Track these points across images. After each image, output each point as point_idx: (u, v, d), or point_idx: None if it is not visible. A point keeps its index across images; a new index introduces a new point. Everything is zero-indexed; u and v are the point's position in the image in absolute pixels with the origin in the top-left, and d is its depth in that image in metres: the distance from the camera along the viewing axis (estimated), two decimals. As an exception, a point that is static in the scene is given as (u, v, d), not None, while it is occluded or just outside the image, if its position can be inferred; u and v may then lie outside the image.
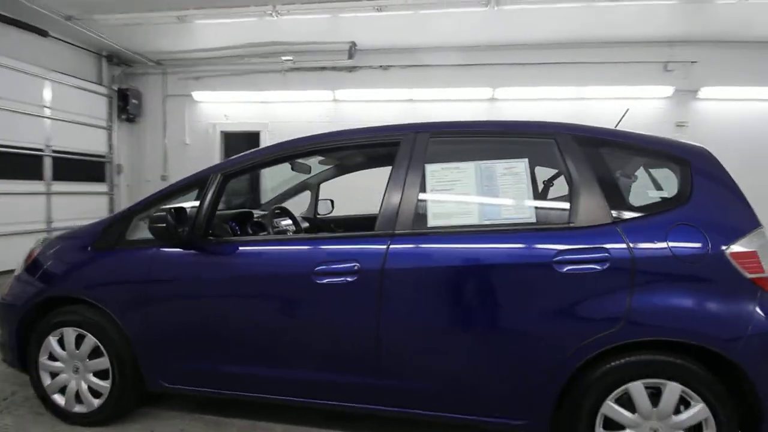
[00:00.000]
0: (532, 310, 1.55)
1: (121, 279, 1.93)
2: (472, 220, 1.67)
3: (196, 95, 6.55)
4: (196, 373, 1.89)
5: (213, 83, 6.54)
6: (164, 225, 1.76)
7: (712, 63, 5.29)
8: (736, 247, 1.48)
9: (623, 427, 1.52)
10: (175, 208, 1.82)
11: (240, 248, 1.87)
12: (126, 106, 6.51)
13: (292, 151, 1.95)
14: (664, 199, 1.65)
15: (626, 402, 1.52)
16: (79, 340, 1.96)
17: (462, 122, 1.86)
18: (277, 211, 2.53)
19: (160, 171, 6.84)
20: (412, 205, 1.70)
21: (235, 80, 6.43)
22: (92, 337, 1.93)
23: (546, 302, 1.54)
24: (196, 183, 2.00)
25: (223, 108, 6.62)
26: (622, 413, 1.51)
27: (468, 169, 1.74)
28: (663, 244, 1.50)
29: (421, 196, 1.73)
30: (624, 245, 1.51)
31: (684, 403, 1.48)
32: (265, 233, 2.43)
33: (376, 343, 1.66)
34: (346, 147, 2.00)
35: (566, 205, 1.64)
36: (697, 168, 1.62)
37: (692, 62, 5.40)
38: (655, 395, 1.50)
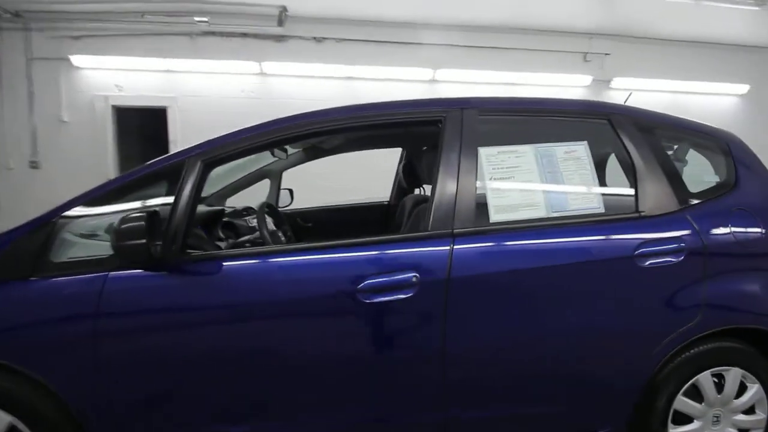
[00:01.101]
0: (617, 311, 1.40)
1: (47, 323, 1.29)
2: (540, 212, 1.45)
3: (76, 60, 5.16)
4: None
5: (100, 45, 5.21)
6: (143, 241, 1.18)
7: (624, 56, 5.87)
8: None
9: (691, 420, 1.49)
10: (151, 213, 1.24)
11: (238, 265, 1.37)
12: (-33, 69, 4.87)
13: (306, 129, 1.49)
14: (717, 184, 1.63)
15: (694, 394, 1.48)
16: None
17: (509, 98, 1.61)
18: (266, 210, 2.01)
19: (28, 155, 5.32)
20: (471, 197, 1.41)
21: (131, 42, 5.21)
22: (5, 415, 1.26)
23: (630, 301, 1.40)
24: (163, 174, 1.42)
25: (115, 77, 5.34)
26: (693, 405, 1.48)
27: (526, 153, 1.51)
28: (727, 230, 1.47)
29: (479, 185, 1.45)
30: (696, 233, 1.44)
31: (741, 386, 1.51)
32: (252, 238, 1.90)
33: (440, 370, 1.36)
34: (376, 125, 1.60)
35: (629, 192, 1.52)
36: (737, 153, 1.63)
37: (606, 54, 5.94)
38: (717, 383, 1.49)
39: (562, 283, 1.39)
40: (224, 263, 1.35)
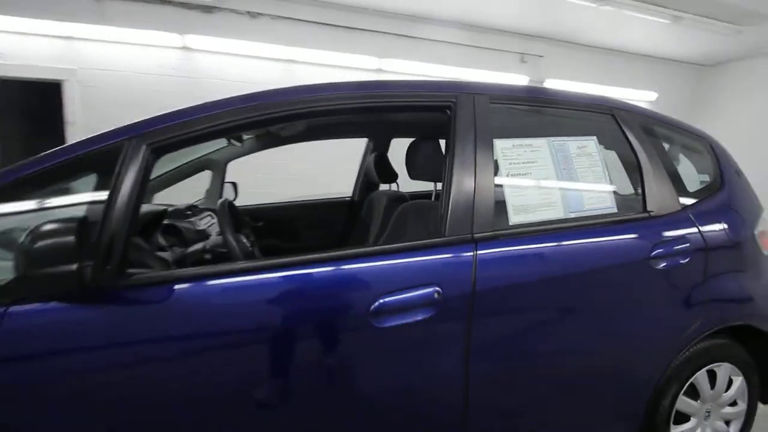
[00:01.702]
0: (637, 316, 1.33)
1: None
2: (558, 213, 1.32)
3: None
4: None
5: (-30, -3, 4.13)
6: (73, 267, 0.80)
7: (556, 59, 6.21)
8: (759, 228, 1.59)
9: (688, 418, 1.50)
10: (81, 222, 0.85)
11: (204, 287, 1.03)
12: None
13: (295, 109, 1.17)
14: (707, 184, 1.65)
15: (690, 392, 1.49)
16: None
17: (519, 86, 1.45)
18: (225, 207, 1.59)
19: None
20: (490, 196, 1.23)
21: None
22: None
23: (649, 305, 1.35)
24: (88, 162, 1.02)
25: (-6, 40, 4.29)
26: (691, 403, 1.48)
27: (542, 147, 1.37)
28: (721, 229, 1.48)
29: (497, 182, 1.27)
30: (698, 233, 1.43)
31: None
32: (209, 246, 1.49)
33: (462, 396, 1.16)
34: (377, 108, 1.34)
35: (635, 191, 1.47)
36: (720, 153, 1.68)
37: (540, 56, 6.23)
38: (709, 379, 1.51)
39: (590, 289, 1.29)
40: (180, 286, 1.00)
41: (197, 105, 1.15)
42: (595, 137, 1.45)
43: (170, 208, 1.72)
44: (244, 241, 1.41)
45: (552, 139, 1.39)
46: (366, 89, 1.26)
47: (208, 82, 4.88)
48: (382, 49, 5.33)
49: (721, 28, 5.28)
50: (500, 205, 1.26)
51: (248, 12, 4.97)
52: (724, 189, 1.58)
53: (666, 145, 1.67)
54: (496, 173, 1.27)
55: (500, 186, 1.27)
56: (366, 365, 1.10)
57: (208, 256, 1.41)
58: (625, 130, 1.49)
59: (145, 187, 1.04)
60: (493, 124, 1.30)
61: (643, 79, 6.61)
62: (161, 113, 1.14)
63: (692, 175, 1.65)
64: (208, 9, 4.78)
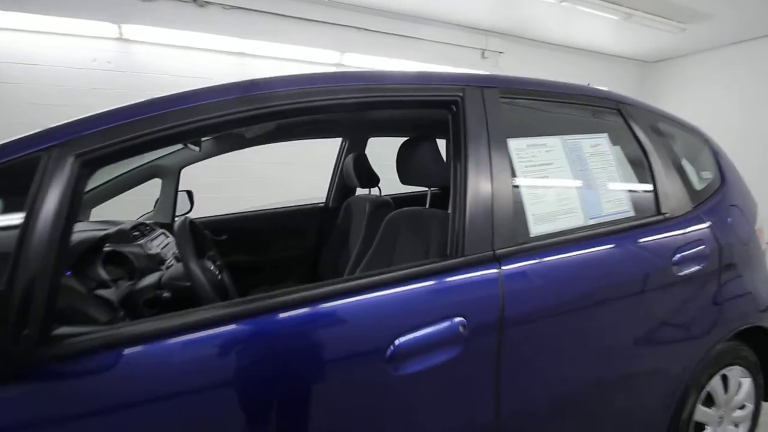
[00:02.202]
0: (663, 327, 1.23)
1: None
2: (578, 220, 1.18)
3: None
4: None
5: None
6: None
7: (516, 55, 6.26)
8: (758, 224, 1.56)
9: (703, 427, 1.43)
10: None
11: (165, 349, 0.77)
12: None
13: (278, 106, 0.93)
14: (709, 181, 1.59)
15: (705, 400, 1.43)
16: None
17: (527, 78, 1.30)
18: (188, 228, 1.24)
19: None
20: (509, 204, 1.07)
21: None
22: None
23: (673, 314, 1.25)
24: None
25: None
26: (707, 412, 1.42)
27: (556, 147, 1.22)
28: (730, 228, 1.43)
29: (515, 187, 1.11)
30: (711, 234, 1.36)
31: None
32: (166, 279, 1.18)
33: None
34: (376, 103, 1.12)
35: (644, 190, 1.37)
36: (717, 150, 1.63)
37: (500, 52, 6.25)
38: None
39: (620, 303, 1.17)
40: (132, 349, 0.74)
41: (142, 102, 0.89)
42: (606, 134, 1.33)
43: (112, 229, 1.39)
44: (211, 268, 1.14)
45: (566, 137, 1.25)
46: (346, 82, 1.04)
47: (147, 77, 4.40)
48: (341, 43, 5.09)
49: (667, 26, 5.54)
50: (519, 215, 1.10)
51: (194, 0, 4.53)
52: (725, 185, 1.53)
53: (674, 142, 1.60)
54: (513, 178, 1.11)
55: (518, 192, 1.11)
56: (386, 420, 0.90)
57: (166, 294, 1.14)
58: (633, 127, 1.39)
59: (74, 212, 0.77)
60: (505, 121, 1.14)
61: (593, 75, 6.85)
62: (92, 113, 0.86)
63: (693, 173, 1.59)
64: (147, -4, 4.30)
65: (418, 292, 0.93)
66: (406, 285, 0.93)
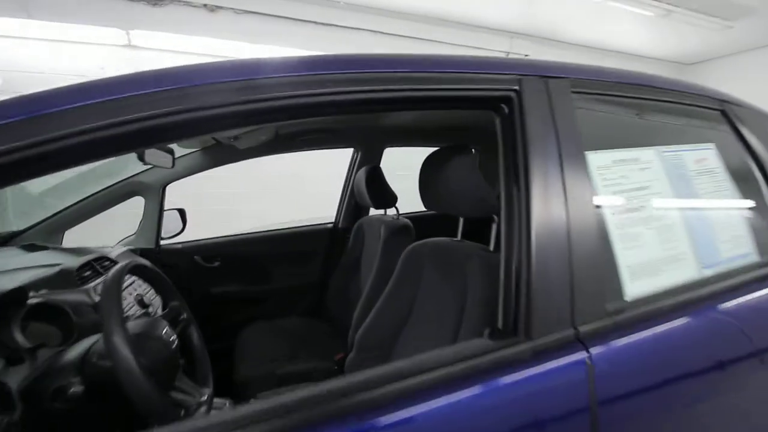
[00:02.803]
0: None
1: None
2: (690, 271, 0.81)
3: None
4: None
5: None
6: None
7: (540, 58, 5.89)
8: None
9: None
10: None
11: None
12: None
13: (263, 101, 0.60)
14: None
15: None
16: None
17: (603, 68, 0.93)
18: (123, 280, 0.85)
19: None
20: (593, 253, 0.71)
21: None
22: None
23: None
24: None
25: None
26: None
27: (652, 163, 0.85)
28: None
29: (599, 225, 0.75)
30: None
31: None
32: (83, 353, 0.82)
33: None
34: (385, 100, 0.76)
35: (763, 221, 0.98)
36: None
37: (526, 55, 5.88)
38: None
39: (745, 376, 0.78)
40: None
41: (69, 87, 0.56)
42: (713, 145, 0.96)
43: (57, 268, 1.07)
44: (162, 333, 0.81)
45: (662, 149, 0.88)
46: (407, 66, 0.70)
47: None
48: (361, 47, 4.82)
49: (711, 23, 5.07)
50: (608, 267, 0.73)
51: (205, 5, 4.36)
52: None
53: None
54: (596, 210, 0.75)
55: (605, 232, 0.75)
56: None
57: (74, 390, 0.70)
58: (746, 135, 1.00)
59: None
60: (581, 126, 0.78)
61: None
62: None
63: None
64: (154, 1, 4.13)
65: (462, 405, 0.58)
66: (441, 396, 0.57)
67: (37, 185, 2.04)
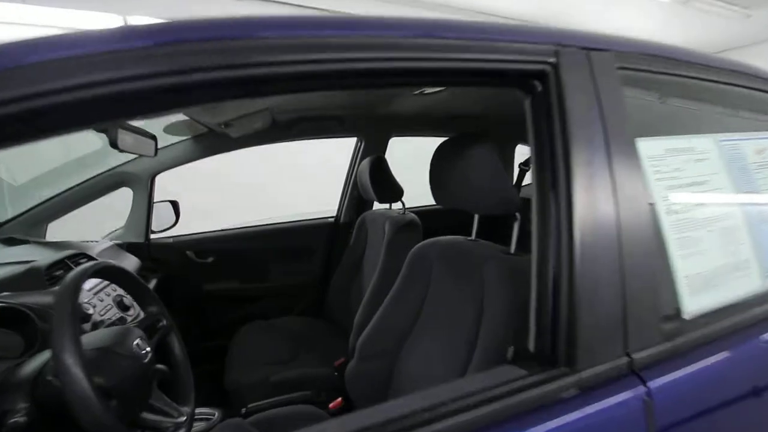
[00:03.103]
0: None
1: None
2: (754, 282, 0.68)
3: None
4: None
5: None
6: None
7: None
8: None
9: None
10: None
11: None
12: None
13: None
14: None
15: None
16: None
17: (654, 43, 0.79)
18: (76, 293, 0.66)
19: None
20: (648, 262, 0.58)
21: None
22: None
23: None
24: None
25: None
26: None
27: (710, 153, 0.72)
28: None
29: (654, 227, 0.62)
30: None
31: None
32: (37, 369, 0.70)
33: None
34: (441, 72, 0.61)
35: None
36: None
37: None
38: None
39: None
40: None
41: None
42: (776, 133, 0.82)
43: (25, 266, 0.96)
44: (134, 345, 0.69)
45: (721, 137, 0.74)
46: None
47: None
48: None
49: (729, 11, 4.86)
50: (664, 278, 0.60)
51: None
52: None
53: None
54: (650, 208, 0.61)
55: (659, 236, 0.62)
56: None
57: (15, 420, 0.58)
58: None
59: None
60: (630, 108, 0.65)
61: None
62: None
63: None
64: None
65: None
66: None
67: (21, 175, 1.92)
